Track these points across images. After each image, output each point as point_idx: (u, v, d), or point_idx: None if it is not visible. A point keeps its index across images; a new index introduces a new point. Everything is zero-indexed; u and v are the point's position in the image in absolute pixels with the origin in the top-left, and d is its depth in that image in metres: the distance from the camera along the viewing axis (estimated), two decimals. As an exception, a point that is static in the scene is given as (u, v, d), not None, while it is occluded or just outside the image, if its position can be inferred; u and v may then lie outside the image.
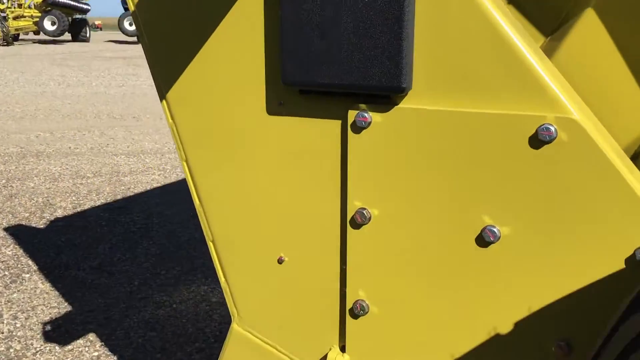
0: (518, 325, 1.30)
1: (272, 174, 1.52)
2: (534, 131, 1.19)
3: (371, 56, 1.26)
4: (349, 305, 1.48)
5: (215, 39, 1.49)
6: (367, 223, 1.40)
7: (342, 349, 1.54)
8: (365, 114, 1.34)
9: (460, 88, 1.25)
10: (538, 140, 1.19)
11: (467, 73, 1.24)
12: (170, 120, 1.63)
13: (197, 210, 1.64)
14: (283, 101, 1.45)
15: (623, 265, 1.18)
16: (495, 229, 1.27)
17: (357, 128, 1.36)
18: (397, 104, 1.31)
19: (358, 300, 1.46)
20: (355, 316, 1.47)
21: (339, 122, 1.40)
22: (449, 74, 1.26)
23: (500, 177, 1.25)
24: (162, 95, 1.61)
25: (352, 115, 1.36)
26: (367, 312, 1.45)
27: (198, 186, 1.63)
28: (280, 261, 1.57)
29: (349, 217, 1.42)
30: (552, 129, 1.17)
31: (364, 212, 1.39)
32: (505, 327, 1.31)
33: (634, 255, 1.16)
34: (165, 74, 1.60)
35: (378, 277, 1.43)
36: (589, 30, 1.36)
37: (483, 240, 1.29)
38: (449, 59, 1.25)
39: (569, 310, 1.25)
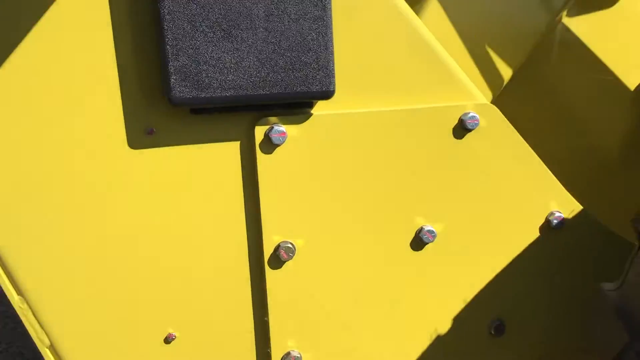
0: (456, 316, 1.28)
1: (139, 230, 1.13)
2: (457, 121, 1.21)
3: (293, 60, 1.08)
4: (275, 362, 1.21)
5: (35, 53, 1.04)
6: (292, 258, 1.17)
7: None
8: (281, 128, 1.13)
9: (378, 87, 1.18)
10: (462, 130, 1.21)
11: (384, 72, 1.17)
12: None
13: (19, 313, 1.11)
14: (155, 128, 1.11)
15: (538, 234, 1.29)
16: (431, 229, 1.23)
17: (269, 146, 1.14)
18: (311, 112, 1.15)
19: (289, 352, 1.21)
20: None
21: (237, 143, 1.14)
22: (365, 74, 1.17)
23: (429, 174, 1.22)
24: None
25: (260, 132, 1.13)
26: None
27: (20, 279, 1.10)
28: (168, 340, 1.18)
29: (266, 257, 1.17)
30: (477, 116, 1.20)
31: (289, 245, 1.17)
32: (445, 321, 1.28)
33: (547, 221, 1.29)
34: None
35: (309, 319, 1.21)
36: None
37: (421, 242, 1.23)
38: (363, 58, 1.17)
39: (499, 291, 1.30)
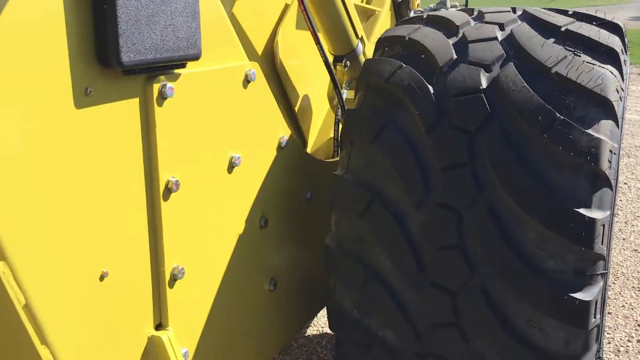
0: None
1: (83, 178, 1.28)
2: (244, 75, 1.73)
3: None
4: (167, 275, 1.51)
5: None
6: (177, 191, 1.50)
7: (157, 328, 1.53)
8: (171, 85, 1.44)
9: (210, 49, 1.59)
10: (247, 82, 1.74)
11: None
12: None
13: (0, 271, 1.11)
14: (92, 88, 1.26)
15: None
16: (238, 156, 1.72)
17: (161, 100, 1.43)
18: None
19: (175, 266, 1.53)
20: (172, 284, 1.53)
21: (137, 99, 1.39)
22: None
23: (236, 115, 1.71)
24: None
25: (156, 88, 1.41)
26: (183, 277, 1.55)
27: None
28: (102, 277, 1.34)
29: (161, 191, 1.46)
30: (255, 71, 1.75)
31: (176, 180, 1.49)
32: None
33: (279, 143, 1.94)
34: None
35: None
36: None
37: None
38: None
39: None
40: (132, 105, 1.38)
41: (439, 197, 1.69)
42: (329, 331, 3.02)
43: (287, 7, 2.51)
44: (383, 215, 1.77)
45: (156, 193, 1.46)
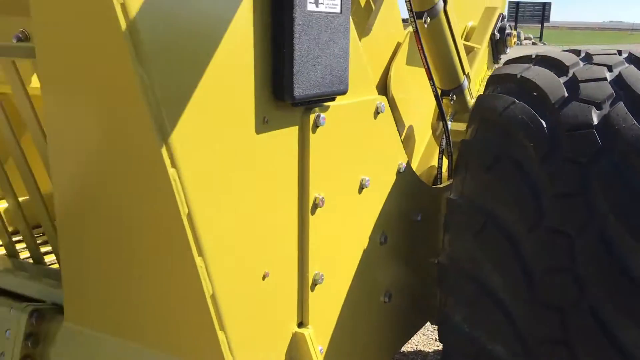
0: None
1: (255, 192, 1.52)
2: (375, 107, 1.95)
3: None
4: (310, 279, 1.73)
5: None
6: (322, 207, 1.73)
7: (299, 325, 1.75)
8: (323, 114, 1.68)
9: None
10: (377, 113, 1.96)
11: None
12: (172, 169, 1.25)
13: (198, 265, 1.35)
14: (268, 118, 1.51)
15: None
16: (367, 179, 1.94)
17: (315, 128, 1.67)
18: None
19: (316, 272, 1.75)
20: (313, 288, 1.75)
21: (297, 127, 1.63)
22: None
23: (368, 142, 1.93)
24: (164, 138, 1.22)
25: (312, 118, 1.65)
26: (322, 282, 1.77)
27: (202, 237, 1.34)
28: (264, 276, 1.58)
29: (310, 205, 1.69)
30: (384, 104, 1.98)
31: (322, 197, 1.72)
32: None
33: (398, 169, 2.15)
34: (171, 110, 1.22)
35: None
36: None
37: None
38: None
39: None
40: (292, 132, 1.62)
41: (551, 222, 1.85)
42: (422, 348, 3.19)
43: (398, 45, 2.74)
44: (496, 237, 1.94)
45: (306, 207, 1.69)
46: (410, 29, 2.83)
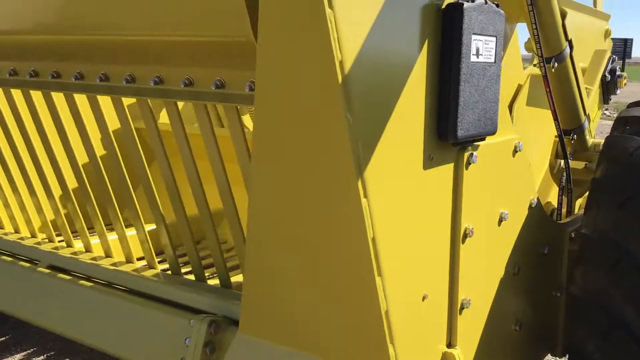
0: None
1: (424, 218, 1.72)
2: (514, 146, 2.11)
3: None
4: (458, 303, 1.89)
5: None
6: (472, 236, 1.89)
7: (448, 346, 1.91)
8: (475, 153, 1.85)
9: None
10: (515, 151, 2.12)
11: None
12: (364, 199, 1.46)
13: (377, 284, 1.55)
14: (432, 156, 1.71)
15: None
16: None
17: (467, 165, 1.85)
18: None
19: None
20: (461, 312, 1.91)
21: (452, 164, 1.82)
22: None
23: (507, 178, 2.09)
24: (360, 172, 1.43)
25: (466, 156, 1.83)
26: (469, 307, 1.92)
27: (382, 259, 1.54)
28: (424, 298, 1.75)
29: (461, 235, 1.86)
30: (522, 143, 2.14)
31: (472, 227, 1.88)
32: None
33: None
34: (366, 148, 1.44)
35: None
36: None
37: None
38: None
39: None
40: (449, 169, 1.80)
41: (687, 257, 1.95)
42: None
43: (519, 87, 2.90)
44: (630, 270, 2.05)
45: (457, 236, 1.86)
46: (528, 70, 3.00)
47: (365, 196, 1.48)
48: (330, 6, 1.32)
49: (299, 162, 1.54)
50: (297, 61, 1.42)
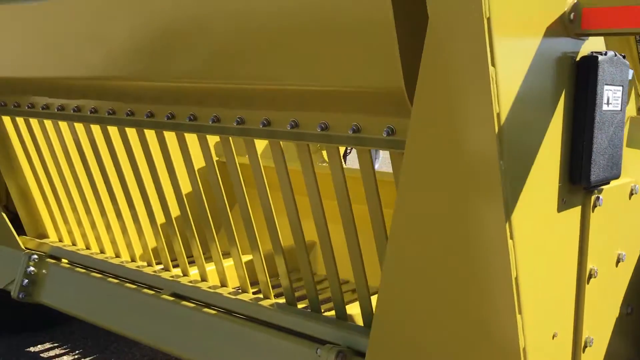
0: None
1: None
2: (630, 189, 2.17)
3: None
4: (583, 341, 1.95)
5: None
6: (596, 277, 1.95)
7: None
8: (601, 196, 1.92)
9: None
10: (632, 194, 2.17)
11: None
12: (510, 240, 1.55)
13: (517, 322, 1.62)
14: (565, 199, 1.79)
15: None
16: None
17: (594, 207, 1.92)
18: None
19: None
20: (584, 350, 1.96)
21: (579, 207, 1.89)
22: None
23: (624, 220, 2.15)
24: (508, 216, 1.52)
25: (593, 199, 1.90)
26: (592, 346, 1.98)
27: (523, 298, 1.62)
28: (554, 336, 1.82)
29: (587, 275, 1.92)
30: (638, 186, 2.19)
31: (595, 269, 1.95)
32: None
33: None
34: (513, 194, 1.53)
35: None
36: None
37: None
38: None
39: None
40: (577, 211, 1.88)
41: None
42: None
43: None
44: None
45: (583, 277, 1.92)
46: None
47: (512, 237, 1.57)
48: (493, 64, 1.43)
49: (449, 205, 1.64)
50: (456, 112, 1.54)
